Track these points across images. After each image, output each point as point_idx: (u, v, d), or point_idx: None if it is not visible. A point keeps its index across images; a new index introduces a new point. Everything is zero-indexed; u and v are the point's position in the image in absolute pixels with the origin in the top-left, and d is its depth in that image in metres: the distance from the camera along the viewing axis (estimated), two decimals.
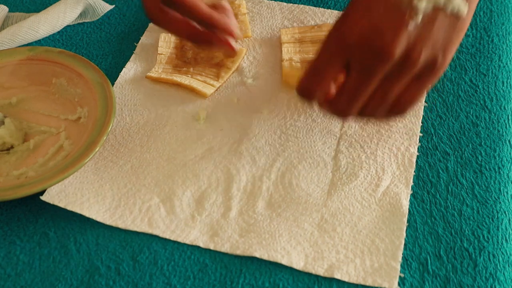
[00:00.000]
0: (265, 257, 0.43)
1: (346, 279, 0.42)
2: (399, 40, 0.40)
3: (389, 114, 0.45)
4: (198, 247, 0.44)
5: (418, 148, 0.50)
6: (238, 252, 0.44)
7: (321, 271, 0.42)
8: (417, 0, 0.40)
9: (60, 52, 0.55)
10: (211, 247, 0.44)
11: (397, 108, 0.44)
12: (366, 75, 0.42)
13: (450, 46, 0.42)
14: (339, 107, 0.44)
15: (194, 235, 0.45)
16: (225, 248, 0.44)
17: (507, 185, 0.47)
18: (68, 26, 0.63)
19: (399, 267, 0.42)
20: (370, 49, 0.41)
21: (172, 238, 0.45)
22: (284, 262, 0.43)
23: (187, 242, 0.44)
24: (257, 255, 0.43)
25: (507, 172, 0.48)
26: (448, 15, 0.42)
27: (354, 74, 0.42)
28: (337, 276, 0.42)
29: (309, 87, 0.44)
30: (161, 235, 0.45)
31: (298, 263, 0.43)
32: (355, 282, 0.42)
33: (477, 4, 0.62)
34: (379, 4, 0.41)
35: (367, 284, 0.42)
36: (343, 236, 0.44)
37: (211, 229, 0.45)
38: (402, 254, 0.43)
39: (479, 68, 0.56)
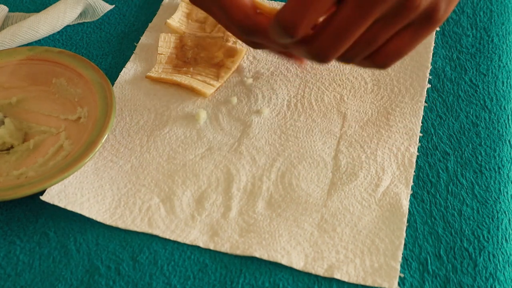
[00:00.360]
0: (265, 257, 0.43)
1: (346, 279, 0.42)
2: None
3: (372, 63, 0.40)
4: (198, 247, 0.44)
5: (418, 148, 0.50)
6: (238, 252, 0.44)
7: (321, 271, 0.42)
8: None
9: (60, 52, 0.55)
10: (211, 247, 0.44)
11: (382, 58, 0.39)
12: (364, 8, 0.36)
13: None
14: (320, 45, 0.38)
15: (194, 235, 0.45)
16: (225, 248, 0.44)
17: (507, 185, 0.47)
18: (68, 26, 0.63)
19: (399, 267, 0.42)
20: None
21: (172, 238, 0.45)
22: (284, 262, 0.43)
23: (187, 242, 0.44)
24: (257, 255, 0.43)
25: (507, 172, 0.48)
26: None
27: (349, 4, 0.36)
28: (337, 276, 0.42)
29: (295, 15, 0.36)
30: (161, 235, 0.45)
31: (298, 263, 0.43)
32: (355, 282, 0.42)
33: (477, 4, 0.62)
34: None
35: (367, 284, 0.42)
36: (343, 236, 0.44)
37: (211, 229, 0.45)
38: (402, 254, 0.43)
39: (479, 68, 0.56)
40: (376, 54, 0.39)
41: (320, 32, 0.37)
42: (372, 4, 0.36)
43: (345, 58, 0.39)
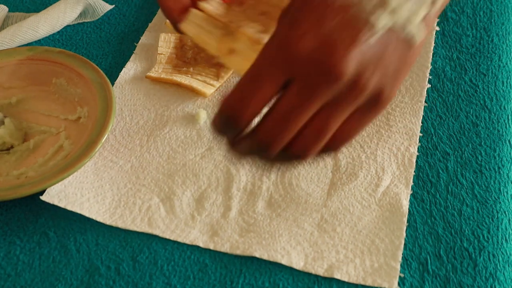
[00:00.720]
0: (265, 257, 0.43)
1: (346, 279, 0.42)
2: (351, 60, 0.34)
3: (321, 150, 0.38)
4: (198, 247, 0.44)
5: (418, 148, 0.50)
6: (238, 252, 0.44)
7: (321, 271, 0.42)
8: (376, 16, 0.35)
9: (60, 52, 0.55)
10: (211, 247, 0.44)
11: (331, 144, 0.37)
12: (308, 94, 0.35)
13: (399, 78, 0.37)
14: (263, 134, 0.36)
15: (194, 235, 0.45)
16: (225, 248, 0.44)
17: (507, 185, 0.47)
18: (68, 26, 0.63)
19: (399, 267, 0.42)
20: (319, 66, 0.34)
21: (172, 238, 0.45)
22: (284, 262, 0.43)
23: (187, 242, 0.44)
24: (257, 255, 0.43)
25: (507, 172, 0.48)
26: (401, 40, 0.36)
27: (293, 91, 0.35)
28: (337, 276, 0.42)
29: (237, 103, 0.35)
30: (161, 235, 0.45)
31: (298, 263, 0.43)
32: (355, 282, 0.42)
33: (477, 4, 0.62)
34: (334, 14, 0.35)
35: (367, 284, 0.41)
36: (343, 236, 0.44)
37: (211, 229, 0.45)
38: (402, 254, 0.43)
39: (479, 68, 0.56)
40: (330, 142, 0.38)
41: (265, 118, 0.36)
42: (314, 91, 0.35)
43: (295, 149, 0.37)
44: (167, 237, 0.45)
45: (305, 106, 0.35)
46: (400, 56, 0.37)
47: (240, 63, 0.41)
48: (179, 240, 0.45)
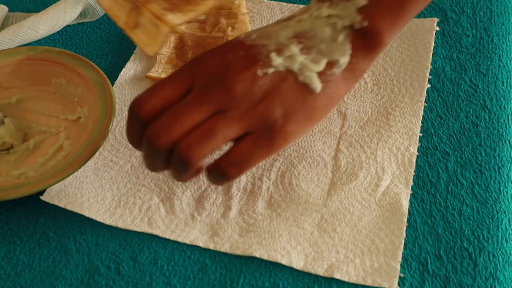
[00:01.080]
0: (264, 257, 0.43)
1: (346, 279, 0.42)
2: (241, 81, 0.40)
3: (217, 171, 0.41)
4: (198, 247, 0.44)
5: (418, 148, 0.50)
6: (238, 252, 0.44)
7: (320, 271, 0.42)
8: (274, 54, 0.41)
9: (60, 52, 0.55)
10: (211, 247, 0.44)
11: (223, 164, 0.41)
12: (200, 98, 0.40)
13: (293, 115, 0.41)
14: (153, 128, 0.40)
15: (194, 235, 0.45)
16: (225, 248, 0.44)
17: (507, 185, 0.47)
18: (68, 26, 0.63)
19: (399, 267, 0.42)
20: (215, 78, 0.41)
21: (172, 238, 0.45)
22: (284, 262, 0.43)
23: (187, 242, 0.44)
24: (256, 255, 0.43)
25: (507, 172, 0.48)
26: (299, 83, 0.42)
27: (190, 94, 0.41)
28: (337, 276, 0.42)
29: (142, 96, 0.41)
30: (161, 235, 0.45)
31: (297, 263, 0.43)
32: (354, 282, 0.42)
33: (477, 4, 0.62)
34: (240, 49, 0.42)
35: (367, 284, 0.41)
36: (343, 236, 0.44)
37: (211, 229, 0.45)
38: (402, 254, 0.43)
39: (479, 68, 0.56)
40: (220, 161, 0.41)
41: (158, 116, 0.40)
42: (205, 96, 0.40)
43: (181, 151, 0.40)
44: (167, 237, 0.45)
45: (195, 107, 0.40)
46: (299, 97, 0.41)
47: (142, 37, 0.45)
48: (179, 240, 0.45)
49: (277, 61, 0.41)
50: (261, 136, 0.41)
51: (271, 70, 0.41)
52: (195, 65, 0.42)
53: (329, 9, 0.43)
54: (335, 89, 0.43)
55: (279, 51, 0.42)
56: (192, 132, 0.40)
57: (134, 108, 0.40)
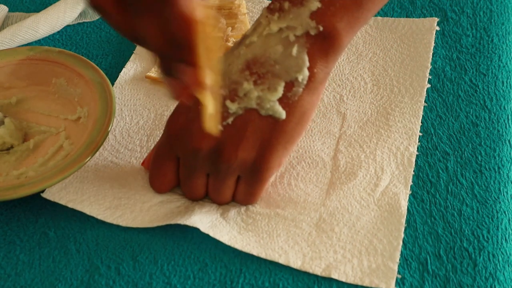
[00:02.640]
0: (262, 255, 0.43)
1: (343, 279, 0.42)
2: (207, 137, 0.41)
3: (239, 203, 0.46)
4: (198, 247, 0.44)
5: (418, 148, 0.50)
6: (237, 246, 0.43)
7: (318, 271, 0.42)
8: (229, 102, 0.42)
9: (60, 52, 0.55)
10: (210, 233, 0.44)
11: (239, 202, 0.46)
12: (187, 167, 0.44)
13: (270, 148, 0.43)
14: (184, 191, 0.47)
15: (194, 219, 0.44)
16: (224, 239, 0.44)
17: (507, 185, 0.47)
18: (68, 26, 0.63)
19: (396, 268, 0.42)
20: (184, 144, 0.43)
21: (172, 223, 0.44)
22: (281, 261, 0.43)
23: (188, 223, 0.44)
24: (254, 253, 0.43)
25: (507, 172, 0.48)
26: (264, 117, 0.42)
27: (180, 166, 0.45)
28: (334, 276, 0.42)
29: (154, 184, 0.47)
30: (161, 223, 0.45)
31: (295, 263, 0.43)
32: (352, 282, 0.41)
33: (477, 4, 0.62)
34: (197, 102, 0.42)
35: (364, 284, 0.41)
36: (341, 236, 0.44)
37: (210, 222, 0.45)
38: (402, 254, 0.43)
39: (479, 68, 0.56)
40: (234, 199, 0.46)
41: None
42: (190, 164, 0.44)
43: (213, 199, 0.47)
44: (167, 222, 0.44)
45: (188, 175, 0.45)
46: (268, 130, 0.42)
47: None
48: (180, 222, 0.44)
49: (233, 107, 0.42)
50: (249, 178, 0.44)
51: (231, 120, 0.42)
52: (168, 132, 0.45)
53: (279, 22, 0.42)
54: (303, 105, 0.42)
55: (233, 94, 0.42)
56: (209, 193, 0.46)
57: (155, 191, 0.47)
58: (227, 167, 0.43)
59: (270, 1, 0.64)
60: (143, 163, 0.49)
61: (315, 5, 0.41)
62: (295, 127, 0.43)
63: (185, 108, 0.44)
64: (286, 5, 0.42)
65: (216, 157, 0.43)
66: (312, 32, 0.41)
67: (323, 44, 0.42)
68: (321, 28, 0.41)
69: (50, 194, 0.47)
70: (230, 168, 0.43)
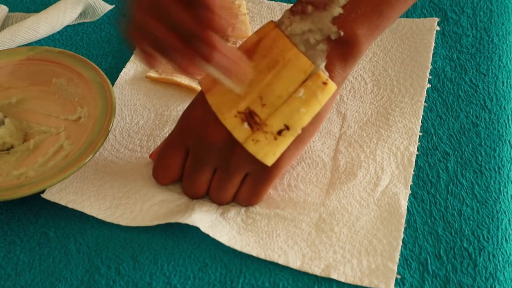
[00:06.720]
0: (261, 256, 0.43)
1: (342, 279, 0.42)
2: (220, 130, 0.43)
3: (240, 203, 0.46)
4: (198, 247, 0.44)
5: (418, 148, 0.50)
6: (236, 247, 0.43)
7: (317, 271, 0.42)
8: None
9: (60, 52, 0.55)
10: (210, 233, 0.44)
11: (240, 202, 0.46)
12: (196, 160, 0.45)
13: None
14: (184, 188, 0.47)
15: (194, 218, 0.44)
16: (223, 239, 0.44)
17: (507, 185, 0.47)
18: (68, 26, 0.63)
19: (396, 269, 0.42)
20: (198, 135, 0.44)
21: (172, 221, 0.44)
22: (281, 261, 0.43)
23: (188, 222, 0.44)
24: (254, 253, 0.43)
25: (507, 172, 0.48)
26: None
27: (189, 158, 0.46)
28: (334, 276, 0.42)
29: (157, 173, 0.48)
30: (161, 221, 0.45)
31: (294, 263, 0.43)
32: (351, 282, 0.41)
33: (477, 4, 0.62)
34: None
35: (364, 284, 0.41)
36: (341, 236, 0.44)
37: (210, 221, 0.45)
38: (402, 254, 0.43)
39: (479, 68, 0.56)
40: (236, 200, 0.46)
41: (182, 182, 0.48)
42: (200, 156, 0.45)
43: (212, 198, 0.47)
44: (167, 221, 0.44)
45: (198, 167, 0.45)
46: None
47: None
48: (180, 221, 0.44)
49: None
50: (257, 176, 0.44)
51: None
52: (182, 125, 0.46)
53: (301, 24, 0.43)
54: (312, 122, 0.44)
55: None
56: (210, 187, 0.46)
57: (157, 182, 0.48)
58: (238, 162, 0.43)
59: (270, 1, 0.64)
60: (151, 155, 0.49)
61: (337, 10, 0.42)
62: (309, 127, 0.44)
63: (201, 100, 0.44)
64: (309, 8, 0.43)
65: (229, 151, 0.43)
66: (333, 37, 0.42)
67: (343, 48, 0.42)
68: (342, 33, 0.42)
69: (50, 195, 0.47)
70: (241, 163, 0.44)
